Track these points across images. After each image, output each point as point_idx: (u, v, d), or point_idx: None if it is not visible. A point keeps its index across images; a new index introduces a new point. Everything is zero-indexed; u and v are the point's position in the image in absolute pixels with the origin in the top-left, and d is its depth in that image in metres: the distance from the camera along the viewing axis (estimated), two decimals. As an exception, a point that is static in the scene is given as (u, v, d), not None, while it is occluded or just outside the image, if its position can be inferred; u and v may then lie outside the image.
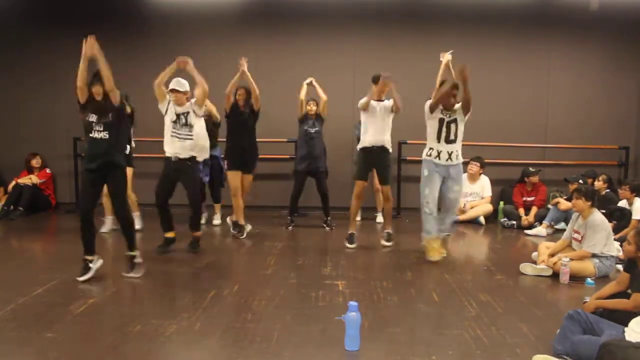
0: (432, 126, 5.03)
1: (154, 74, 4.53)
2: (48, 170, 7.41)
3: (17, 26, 7.46)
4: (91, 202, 4.22)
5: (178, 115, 4.96)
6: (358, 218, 6.30)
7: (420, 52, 7.44)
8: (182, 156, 4.98)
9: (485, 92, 7.30)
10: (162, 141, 4.85)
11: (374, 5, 7.30)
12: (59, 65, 7.46)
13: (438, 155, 4.99)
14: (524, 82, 7.53)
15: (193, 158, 5.06)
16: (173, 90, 4.94)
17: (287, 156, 7.17)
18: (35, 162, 7.27)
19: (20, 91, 7.58)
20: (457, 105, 4.97)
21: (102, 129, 4.11)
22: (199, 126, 5.39)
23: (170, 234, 5.14)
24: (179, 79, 4.97)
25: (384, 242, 5.54)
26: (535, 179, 6.94)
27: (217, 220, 6.48)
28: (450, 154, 4.99)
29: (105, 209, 5.81)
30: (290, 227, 6.32)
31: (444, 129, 4.97)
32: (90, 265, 4.20)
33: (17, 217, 6.73)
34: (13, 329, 3.22)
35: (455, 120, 4.97)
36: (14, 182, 7.12)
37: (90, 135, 4.13)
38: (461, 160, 5.11)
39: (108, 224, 5.84)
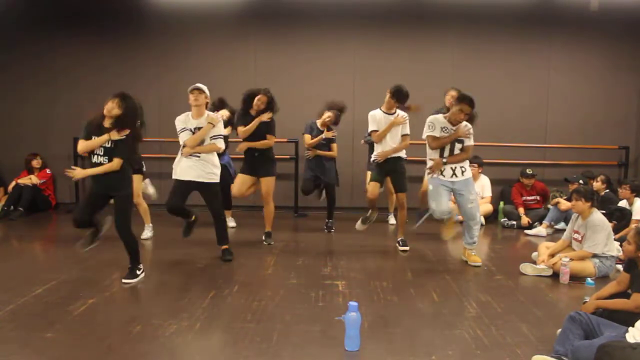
0: None
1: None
2: (48, 171, 7.40)
3: (16, 26, 7.45)
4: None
5: (192, 131, 4.60)
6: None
7: (420, 52, 7.46)
8: (199, 180, 4.60)
9: (486, 92, 7.30)
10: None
11: (374, 5, 7.30)
12: (59, 65, 7.49)
13: (442, 172, 4.76)
14: (524, 82, 7.54)
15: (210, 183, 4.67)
16: (193, 91, 4.53)
17: (288, 156, 7.17)
18: (36, 163, 7.27)
19: (20, 91, 7.58)
20: (464, 123, 4.74)
21: (102, 153, 3.96)
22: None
23: (192, 218, 4.88)
24: (197, 84, 4.65)
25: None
26: (529, 181, 6.93)
27: (232, 223, 6.32)
28: (454, 170, 4.75)
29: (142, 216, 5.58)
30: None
31: (447, 146, 4.74)
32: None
33: (17, 217, 6.73)
34: (13, 329, 3.22)
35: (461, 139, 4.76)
36: (14, 182, 7.13)
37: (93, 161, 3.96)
38: (468, 175, 4.82)
39: (147, 230, 5.64)
